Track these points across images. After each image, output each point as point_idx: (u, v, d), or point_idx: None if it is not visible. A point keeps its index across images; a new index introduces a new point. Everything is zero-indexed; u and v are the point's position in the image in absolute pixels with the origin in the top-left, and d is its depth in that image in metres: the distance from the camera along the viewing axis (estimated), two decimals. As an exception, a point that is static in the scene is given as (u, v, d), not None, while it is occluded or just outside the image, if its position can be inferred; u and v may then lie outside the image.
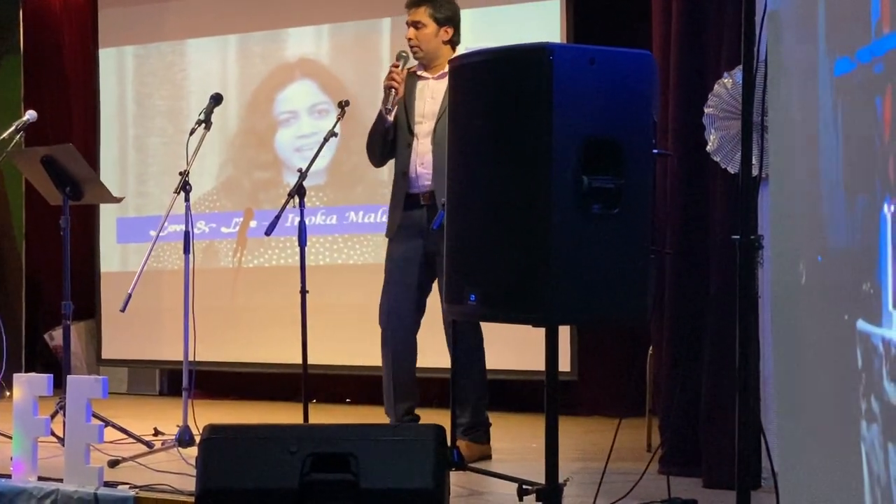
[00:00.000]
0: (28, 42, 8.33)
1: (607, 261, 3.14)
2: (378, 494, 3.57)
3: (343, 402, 7.27)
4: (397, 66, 5.05)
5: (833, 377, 2.36)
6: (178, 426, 5.13)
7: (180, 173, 5.26)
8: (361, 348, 6.97)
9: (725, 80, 4.40)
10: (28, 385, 4.42)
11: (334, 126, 5.33)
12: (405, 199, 5.11)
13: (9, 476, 4.43)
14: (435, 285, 5.19)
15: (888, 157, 2.14)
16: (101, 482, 4.25)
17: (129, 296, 5.18)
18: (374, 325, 6.99)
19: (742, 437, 3.22)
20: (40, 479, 4.39)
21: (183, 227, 5.29)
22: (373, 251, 7.06)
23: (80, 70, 8.32)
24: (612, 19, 6.51)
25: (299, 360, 5.18)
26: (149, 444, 5.11)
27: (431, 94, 5.03)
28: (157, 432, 5.48)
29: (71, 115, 8.29)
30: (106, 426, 4.73)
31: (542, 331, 3.27)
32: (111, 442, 5.05)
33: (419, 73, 5.10)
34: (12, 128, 5.64)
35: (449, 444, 3.99)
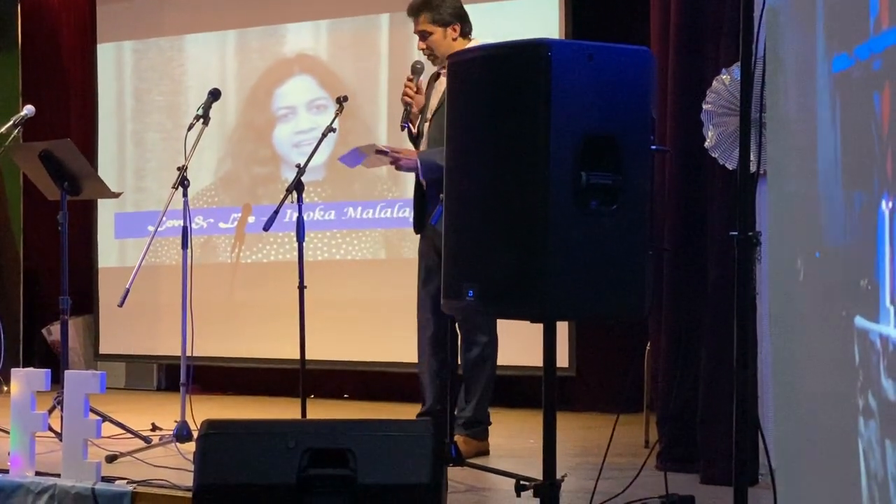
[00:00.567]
0: (26, 37, 8.33)
1: (605, 257, 3.14)
2: (376, 490, 3.57)
3: (341, 398, 7.28)
4: (412, 80, 5.07)
5: (831, 374, 2.36)
6: (175, 421, 5.13)
7: (178, 168, 5.26)
8: (359, 344, 6.99)
9: (724, 77, 4.40)
10: (26, 380, 4.42)
11: (333, 122, 5.33)
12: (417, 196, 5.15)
13: (6, 471, 4.43)
14: None
15: (886, 154, 2.14)
16: (99, 477, 4.25)
17: (127, 291, 5.17)
18: (372, 321, 7.01)
19: (739, 434, 3.22)
20: (38, 473, 4.39)
21: (181, 223, 5.29)
22: (371, 247, 7.06)
23: (78, 65, 8.32)
24: (611, 15, 6.52)
25: (297, 356, 5.18)
26: (146, 440, 5.11)
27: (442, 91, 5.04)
28: (154, 427, 5.48)
29: (69, 110, 8.28)
30: (104, 421, 4.73)
31: (539, 326, 3.27)
32: (109, 437, 5.05)
33: (441, 71, 5.09)
34: (10, 123, 5.64)
35: (447, 439, 4.00)
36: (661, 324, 4.66)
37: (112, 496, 4.17)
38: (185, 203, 5.27)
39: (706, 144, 4.44)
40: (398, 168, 5.15)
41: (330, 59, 7.31)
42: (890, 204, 2.11)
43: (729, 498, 3.27)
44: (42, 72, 8.28)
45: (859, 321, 2.22)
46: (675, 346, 4.55)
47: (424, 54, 5.12)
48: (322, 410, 6.18)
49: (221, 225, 7.55)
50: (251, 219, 7.40)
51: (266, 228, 5.29)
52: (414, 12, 5.07)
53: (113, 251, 7.91)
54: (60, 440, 4.46)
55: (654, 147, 3.24)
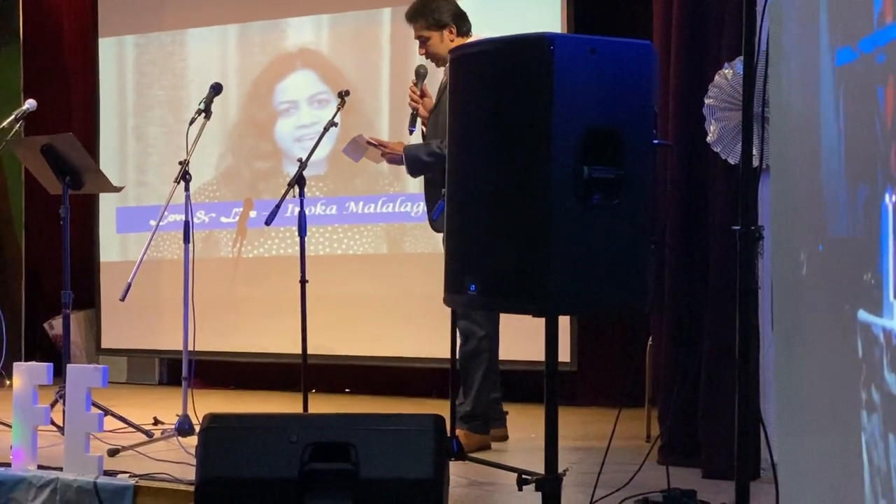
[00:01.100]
0: (28, 31, 8.32)
1: (607, 251, 3.13)
2: (377, 484, 3.57)
3: (342, 392, 7.28)
4: (415, 85, 5.12)
5: (833, 367, 2.36)
6: (177, 415, 5.13)
7: (180, 163, 5.27)
8: (361, 338, 6.99)
9: (726, 71, 4.40)
10: (28, 374, 4.42)
11: (334, 116, 5.34)
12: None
13: (8, 464, 4.44)
14: None
15: (890, 147, 2.14)
16: (101, 471, 4.26)
17: (129, 285, 5.18)
18: (373, 315, 7.01)
19: (741, 428, 3.22)
20: (40, 467, 4.40)
21: (183, 217, 5.29)
22: (372, 242, 7.06)
23: (79, 59, 8.32)
24: (613, 9, 6.51)
25: (299, 350, 5.19)
26: (148, 434, 5.11)
27: None
28: (156, 421, 5.49)
29: (70, 104, 8.28)
30: (106, 415, 4.73)
31: (541, 321, 3.27)
32: (111, 431, 5.05)
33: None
34: (12, 117, 5.64)
35: (449, 434, 3.99)
36: (662, 318, 4.66)
37: (114, 490, 4.17)
38: (187, 197, 5.27)
39: (708, 139, 4.44)
40: (388, 161, 5.24)
41: (332, 54, 7.30)
42: (893, 198, 2.11)
43: (731, 492, 3.27)
44: (43, 66, 8.28)
45: (862, 315, 2.22)
46: (677, 341, 4.55)
47: (426, 59, 5.16)
48: (323, 405, 6.19)
49: (223, 219, 7.55)
50: (253, 213, 7.40)
51: (268, 223, 5.30)
52: (410, 19, 5.12)
53: (114, 245, 7.91)
54: (62, 434, 4.47)
55: (656, 141, 3.24)
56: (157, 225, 5.45)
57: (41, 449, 4.48)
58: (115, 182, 5.91)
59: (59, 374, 4.67)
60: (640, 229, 3.18)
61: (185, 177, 5.23)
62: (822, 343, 2.43)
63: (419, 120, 5.16)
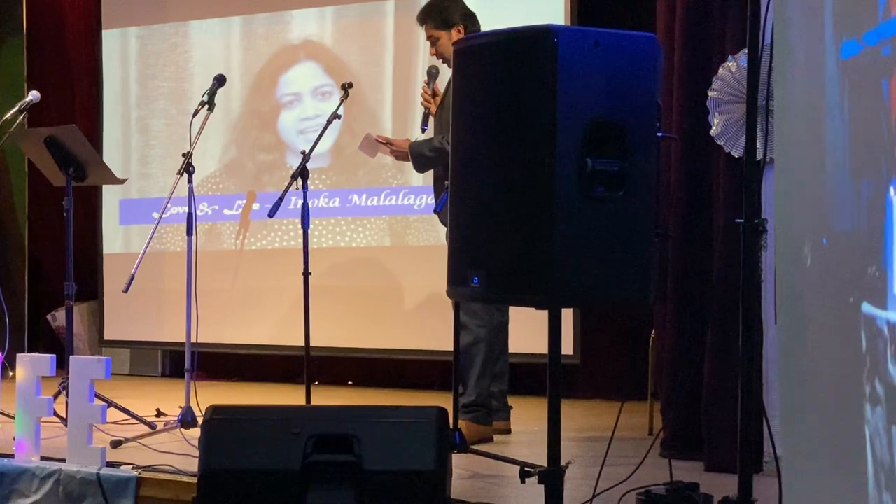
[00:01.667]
0: (31, 22, 8.31)
1: (610, 243, 3.13)
2: (380, 476, 3.58)
3: (345, 385, 7.28)
4: (427, 85, 5.22)
5: (837, 360, 2.35)
6: (180, 407, 5.14)
7: (183, 155, 5.27)
8: (364, 331, 6.99)
9: (730, 64, 4.39)
10: (31, 365, 4.42)
11: (338, 108, 5.35)
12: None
13: (12, 456, 4.44)
14: None
15: (894, 141, 2.14)
16: (104, 462, 4.26)
17: (132, 277, 5.18)
18: (377, 308, 7.01)
19: (744, 421, 3.22)
20: (43, 458, 4.40)
21: (186, 209, 5.29)
22: (375, 234, 7.06)
23: (83, 51, 8.32)
24: (617, 1, 6.49)
25: (302, 343, 5.19)
26: (151, 425, 5.12)
27: None
28: (159, 413, 5.50)
29: (74, 96, 8.28)
30: (108, 407, 4.74)
31: (544, 314, 3.27)
32: (114, 422, 5.06)
33: None
34: (15, 108, 5.63)
35: (452, 426, 4.00)
36: (665, 311, 4.66)
37: (117, 481, 4.18)
38: (190, 189, 5.27)
39: (712, 132, 4.43)
40: (395, 158, 5.38)
41: (335, 46, 7.29)
42: (898, 190, 2.11)
43: (734, 485, 3.27)
44: (47, 58, 8.28)
45: (866, 308, 2.22)
46: (680, 334, 4.55)
47: (437, 59, 5.26)
48: (326, 397, 6.19)
49: (226, 212, 7.55)
50: (256, 205, 7.40)
51: (271, 215, 5.30)
52: (421, 21, 5.24)
53: (118, 237, 7.92)
54: (65, 425, 4.47)
55: (660, 134, 3.23)
56: (161, 217, 5.45)
57: (44, 440, 4.48)
58: (118, 174, 5.91)
59: (62, 365, 4.67)
60: (643, 222, 3.18)
61: (188, 169, 5.23)
62: (826, 336, 2.42)
63: (431, 119, 5.21)
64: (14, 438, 4.46)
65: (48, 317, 8.03)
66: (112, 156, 7.60)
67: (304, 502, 3.59)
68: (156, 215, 5.67)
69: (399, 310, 6.92)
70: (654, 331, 4.99)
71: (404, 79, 6.97)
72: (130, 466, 4.28)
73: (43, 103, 5.88)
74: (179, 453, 4.49)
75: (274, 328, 7.19)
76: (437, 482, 3.57)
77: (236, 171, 7.55)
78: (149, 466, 4.26)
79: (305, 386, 5.17)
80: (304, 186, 5.22)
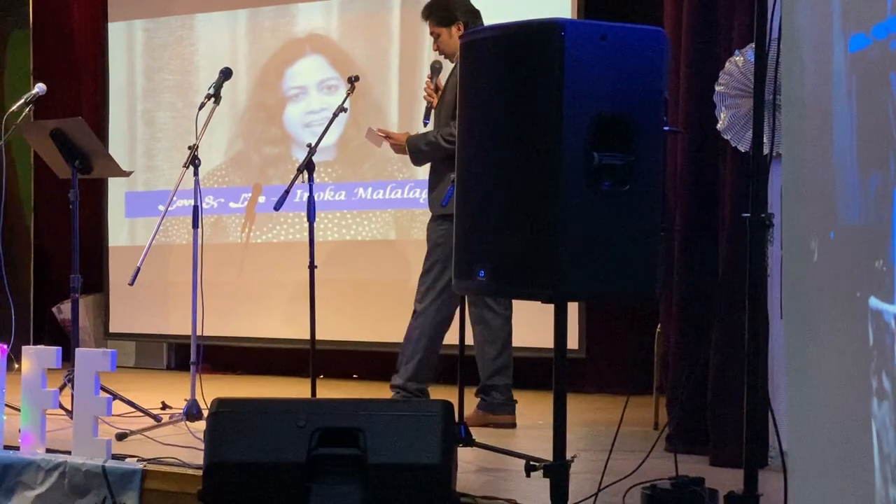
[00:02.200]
0: (37, 15, 8.31)
1: (617, 237, 3.13)
2: (385, 469, 3.58)
3: (350, 378, 7.28)
4: (430, 79, 5.29)
5: (844, 354, 2.35)
6: (185, 400, 5.14)
7: (189, 148, 5.27)
8: (369, 324, 6.99)
9: (737, 59, 4.38)
10: (37, 357, 4.43)
11: (343, 102, 5.35)
12: None
13: (17, 448, 4.45)
14: None
15: (902, 135, 2.13)
16: (109, 455, 4.26)
17: (138, 270, 5.18)
18: (382, 301, 7.01)
19: (750, 416, 3.22)
20: (48, 451, 4.41)
21: (191, 202, 5.29)
22: (381, 228, 7.06)
23: (89, 43, 8.32)
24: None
25: (307, 336, 5.19)
26: (157, 418, 5.12)
27: None
28: (164, 406, 5.50)
29: (80, 88, 8.29)
30: (114, 399, 4.74)
31: (549, 308, 3.27)
32: (119, 415, 5.06)
33: None
34: (22, 101, 5.63)
35: (457, 420, 4.00)
36: (671, 305, 4.65)
37: (122, 474, 4.18)
38: (196, 182, 5.28)
39: (718, 126, 4.43)
40: (395, 151, 5.49)
41: (341, 39, 7.29)
42: (905, 185, 2.10)
43: (739, 480, 3.27)
44: (53, 50, 8.28)
45: (874, 302, 2.21)
46: (686, 328, 4.54)
47: (440, 55, 5.33)
48: (331, 390, 6.19)
49: (232, 205, 7.55)
50: (261, 199, 7.40)
51: (277, 208, 5.30)
52: (424, 16, 5.32)
53: (123, 230, 7.92)
54: (71, 418, 4.48)
55: (666, 128, 3.23)
56: (166, 210, 5.45)
57: (50, 432, 4.49)
58: (124, 166, 5.90)
59: (67, 357, 4.68)
60: (649, 216, 3.18)
61: (194, 161, 5.24)
62: (833, 331, 2.42)
63: (433, 113, 5.25)
64: (19, 430, 4.47)
65: (54, 309, 8.04)
66: (118, 148, 7.59)
67: (309, 495, 3.60)
68: (161, 208, 5.68)
69: (404, 303, 6.88)
70: (659, 325, 4.99)
71: (410, 72, 6.96)
72: (136, 459, 4.28)
73: (49, 96, 5.88)
74: (184, 446, 4.49)
75: (279, 321, 7.19)
76: (442, 476, 3.57)
77: (242, 164, 7.56)
78: (154, 459, 4.26)
79: (311, 379, 5.17)
80: (310, 179, 5.22)
